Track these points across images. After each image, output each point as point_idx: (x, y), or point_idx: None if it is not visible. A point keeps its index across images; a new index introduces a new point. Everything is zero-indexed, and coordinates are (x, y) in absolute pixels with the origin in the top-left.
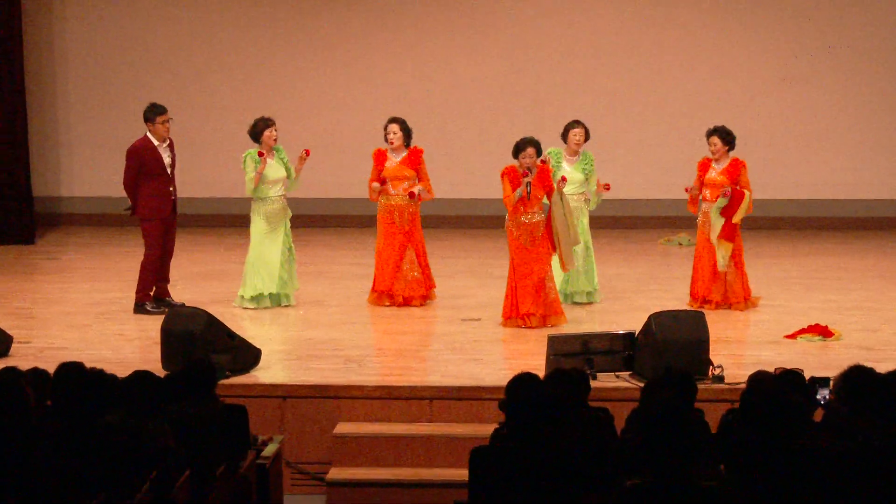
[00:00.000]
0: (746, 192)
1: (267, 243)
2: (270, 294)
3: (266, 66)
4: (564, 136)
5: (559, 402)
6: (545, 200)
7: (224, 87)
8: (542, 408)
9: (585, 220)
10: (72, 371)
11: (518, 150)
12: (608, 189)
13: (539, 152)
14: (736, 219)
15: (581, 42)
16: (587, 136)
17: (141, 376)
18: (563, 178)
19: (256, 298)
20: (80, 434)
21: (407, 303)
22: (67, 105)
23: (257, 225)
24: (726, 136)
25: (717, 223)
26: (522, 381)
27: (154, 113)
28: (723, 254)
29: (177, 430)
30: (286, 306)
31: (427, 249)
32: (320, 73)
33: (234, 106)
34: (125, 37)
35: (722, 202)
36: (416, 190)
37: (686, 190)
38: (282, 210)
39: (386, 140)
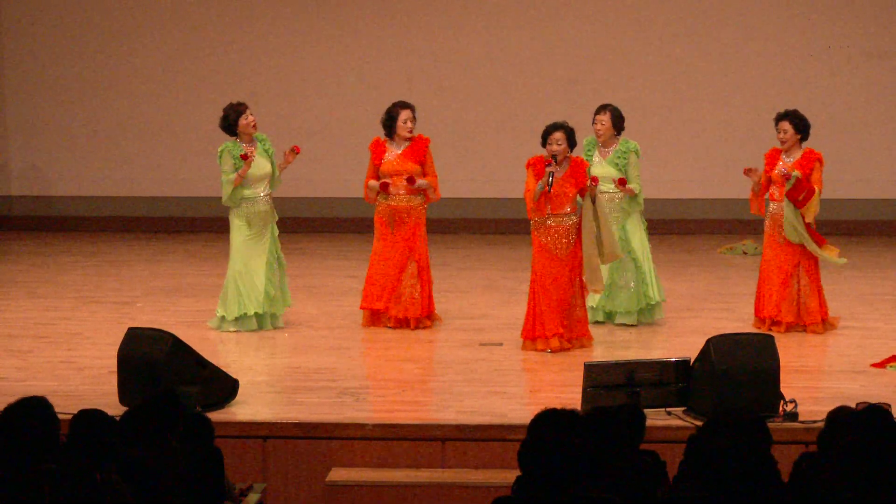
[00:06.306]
0: (816, 189)
1: (251, 252)
2: (256, 314)
3: (241, 39)
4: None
5: (599, 447)
6: (580, 200)
7: (188, 66)
8: (576, 453)
9: (629, 226)
10: (22, 407)
11: (546, 135)
12: (596, 183)
13: (571, 140)
14: (808, 218)
15: (622, 12)
16: (614, 123)
17: (88, 416)
18: (595, 179)
19: (240, 320)
20: (13, 484)
21: (400, 325)
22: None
23: (238, 230)
24: (799, 123)
25: (797, 221)
26: (553, 420)
27: None
28: (830, 257)
29: (134, 480)
30: (272, 328)
31: (440, 261)
32: (307, 49)
33: (201, 88)
34: (65, 13)
35: (788, 184)
36: (416, 178)
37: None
38: (267, 212)
39: (393, 131)
